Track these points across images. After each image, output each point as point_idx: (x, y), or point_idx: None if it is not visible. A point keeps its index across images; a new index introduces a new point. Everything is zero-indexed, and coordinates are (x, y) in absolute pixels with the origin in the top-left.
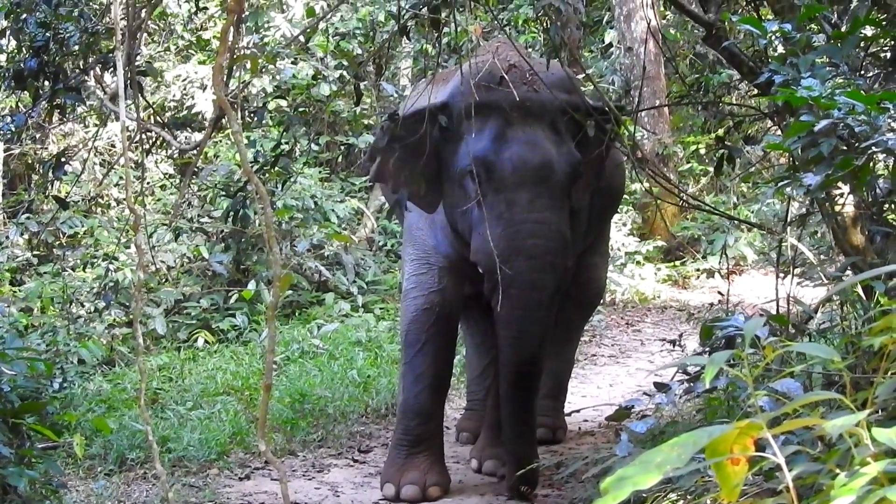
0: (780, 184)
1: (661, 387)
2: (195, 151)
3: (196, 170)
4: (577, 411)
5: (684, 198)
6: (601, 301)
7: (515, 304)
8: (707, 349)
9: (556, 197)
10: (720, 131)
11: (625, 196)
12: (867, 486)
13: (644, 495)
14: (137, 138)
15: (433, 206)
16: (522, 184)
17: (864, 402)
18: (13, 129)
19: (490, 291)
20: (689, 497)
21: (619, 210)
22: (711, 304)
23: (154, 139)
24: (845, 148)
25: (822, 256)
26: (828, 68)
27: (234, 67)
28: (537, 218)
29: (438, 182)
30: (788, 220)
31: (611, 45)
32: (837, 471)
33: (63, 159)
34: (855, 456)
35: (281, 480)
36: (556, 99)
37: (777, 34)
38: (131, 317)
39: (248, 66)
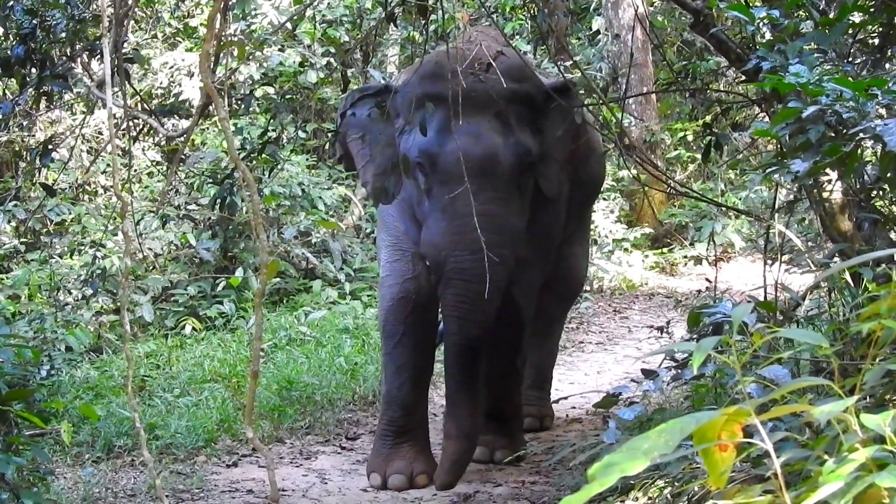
0: (767, 170)
1: (649, 374)
2: (182, 138)
3: (183, 157)
4: (565, 398)
5: (671, 185)
6: (582, 290)
7: (459, 293)
8: (695, 336)
9: (501, 189)
10: (707, 118)
11: (612, 183)
12: (855, 472)
13: (632, 482)
14: (124, 125)
15: (388, 194)
16: (464, 176)
17: (853, 388)
18: (1, 117)
19: (436, 283)
20: (676, 484)
21: (605, 197)
22: (699, 291)
23: (141, 126)
24: (833, 135)
25: (809, 243)
26: (816, 55)
27: (221, 54)
28: (480, 210)
29: (398, 171)
30: (776, 206)
31: (598, 32)
32: (826, 457)
33: (50, 146)
34: (843, 442)
35: (268, 467)
36: (504, 88)
37: (765, 21)
38: (119, 304)
39: (235, 52)
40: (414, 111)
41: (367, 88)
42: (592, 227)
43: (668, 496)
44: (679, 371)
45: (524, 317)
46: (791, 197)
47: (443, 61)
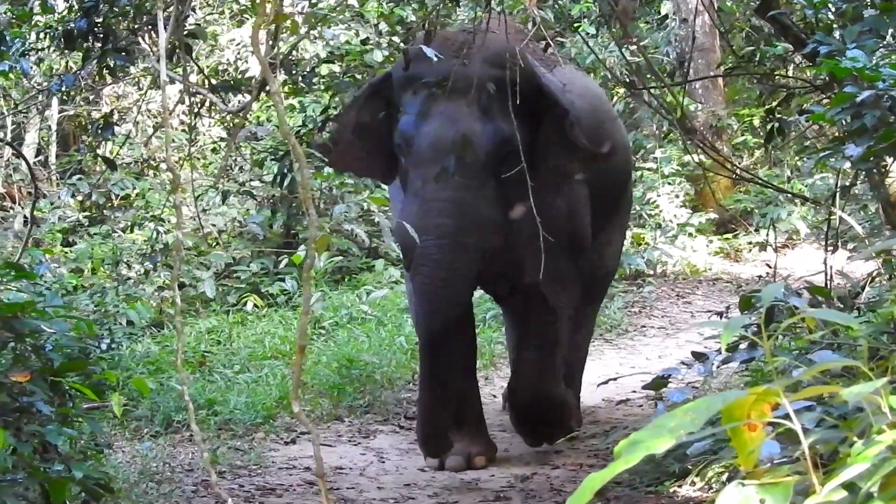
0: (821, 155)
1: (699, 356)
2: (241, 114)
3: (251, 134)
4: (614, 379)
5: (735, 170)
6: (609, 284)
7: (425, 281)
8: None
9: (472, 175)
10: (773, 104)
11: (677, 167)
12: (883, 453)
13: (689, 466)
14: (187, 101)
15: (379, 174)
16: (436, 160)
17: (886, 370)
18: (62, 89)
19: (407, 268)
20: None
21: (670, 182)
22: (760, 277)
23: (202, 102)
24: (890, 120)
25: (874, 231)
26: (874, 40)
27: (281, 30)
28: (448, 196)
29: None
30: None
31: (666, 16)
32: (855, 439)
33: (111, 120)
34: (873, 424)
35: (314, 442)
36: (488, 74)
37: (825, 5)
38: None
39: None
40: (398, 94)
41: (374, 81)
42: (657, 211)
43: (725, 480)
44: (730, 354)
45: (556, 309)
46: (847, 183)
47: (427, 43)
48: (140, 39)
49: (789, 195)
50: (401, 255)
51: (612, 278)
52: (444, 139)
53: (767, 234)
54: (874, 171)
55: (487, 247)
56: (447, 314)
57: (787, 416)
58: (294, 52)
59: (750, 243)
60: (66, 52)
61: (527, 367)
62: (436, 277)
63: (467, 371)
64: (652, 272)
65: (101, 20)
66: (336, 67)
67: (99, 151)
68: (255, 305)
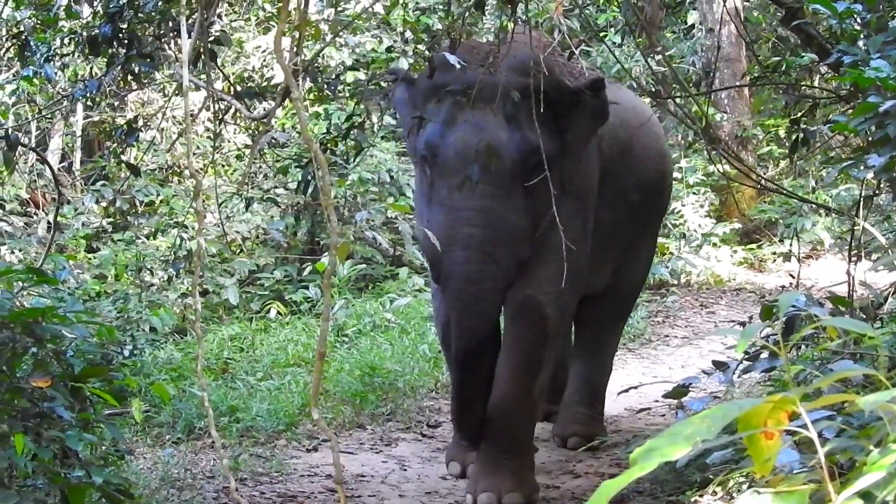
0: (844, 165)
1: (720, 365)
2: (265, 121)
3: (274, 140)
4: (635, 387)
5: (759, 180)
6: (635, 300)
7: (454, 295)
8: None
9: (500, 184)
10: (798, 114)
11: (702, 177)
12: None
13: (710, 476)
14: (211, 108)
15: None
16: (463, 169)
17: None
18: (87, 95)
19: (435, 281)
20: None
21: (695, 192)
22: (784, 287)
23: (226, 109)
24: None
25: None
26: None
27: (305, 37)
28: (475, 205)
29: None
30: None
31: (693, 26)
32: (872, 448)
33: (135, 126)
34: (889, 433)
35: (332, 449)
36: (516, 82)
37: (850, 15)
38: (200, 285)
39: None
40: (423, 102)
41: (397, 72)
42: (681, 220)
43: (745, 489)
44: (750, 364)
45: (548, 328)
46: (870, 193)
47: (459, 52)
48: (165, 45)
49: (813, 205)
50: (428, 267)
51: (636, 297)
52: (470, 147)
53: (791, 245)
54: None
55: (519, 257)
56: (479, 330)
57: (804, 425)
58: (319, 60)
59: (774, 253)
60: (91, 57)
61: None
62: (466, 292)
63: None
64: (676, 282)
65: (125, 26)
66: (361, 75)
67: (123, 157)
68: (279, 313)
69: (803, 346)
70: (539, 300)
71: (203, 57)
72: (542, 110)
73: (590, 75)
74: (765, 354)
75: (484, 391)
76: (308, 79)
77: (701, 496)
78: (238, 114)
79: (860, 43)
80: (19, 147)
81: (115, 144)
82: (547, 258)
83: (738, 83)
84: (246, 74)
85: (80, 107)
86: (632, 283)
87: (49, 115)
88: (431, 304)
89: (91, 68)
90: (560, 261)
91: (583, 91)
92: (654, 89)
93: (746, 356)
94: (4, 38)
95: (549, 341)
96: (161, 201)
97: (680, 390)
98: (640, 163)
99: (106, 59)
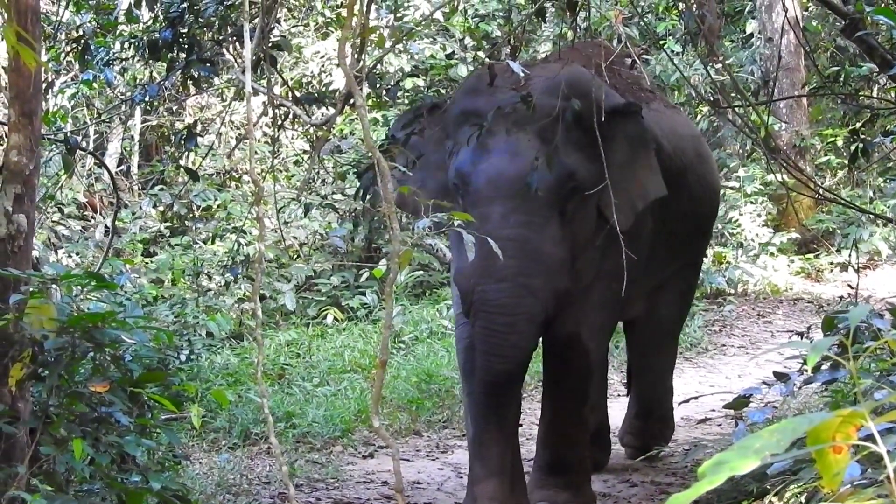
0: None
1: (781, 376)
2: (325, 127)
3: (335, 147)
4: (695, 398)
5: (817, 190)
6: (677, 332)
7: (486, 325)
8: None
9: (535, 213)
10: (857, 124)
11: (760, 187)
12: None
13: (767, 486)
14: (270, 113)
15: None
16: (496, 197)
17: None
18: (145, 99)
19: (466, 315)
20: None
21: (752, 201)
22: (841, 298)
23: (285, 114)
24: None
25: None
26: None
27: (368, 43)
28: (511, 235)
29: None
30: None
31: (752, 35)
32: None
33: (194, 131)
34: None
35: (393, 457)
36: (551, 105)
37: None
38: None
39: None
40: (454, 129)
41: (419, 107)
42: (738, 229)
43: (803, 501)
44: (812, 375)
45: (591, 361)
46: None
47: (484, 75)
48: (224, 50)
49: (872, 216)
50: (459, 302)
51: (677, 329)
52: (503, 175)
53: (849, 255)
54: None
55: (557, 289)
56: (510, 362)
57: (869, 438)
58: (378, 66)
59: (831, 263)
60: (151, 62)
61: (556, 425)
62: (498, 322)
63: (515, 433)
64: (733, 291)
65: (186, 31)
66: (420, 81)
67: (181, 162)
68: (335, 318)
69: (862, 358)
70: (581, 335)
71: (263, 62)
72: (577, 133)
73: (627, 99)
74: (825, 366)
75: (508, 430)
76: (367, 85)
77: None
78: (297, 119)
79: None
80: (78, 151)
81: (173, 149)
82: (587, 289)
83: (797, 93)
84: (304, 80)
85: (138, 111)
86: (669, 320)
87: (108, 119)
88: (455, 326)
89: (150, 72)
90: (601, 291)
91: (616, 114)
92: (713, 98)
93: (803, 366)
94: (64, 42)
95: (592, 374)
96: (219, 206)
97: (741, 401)
98: (694, 197)
99: (166, 64)
